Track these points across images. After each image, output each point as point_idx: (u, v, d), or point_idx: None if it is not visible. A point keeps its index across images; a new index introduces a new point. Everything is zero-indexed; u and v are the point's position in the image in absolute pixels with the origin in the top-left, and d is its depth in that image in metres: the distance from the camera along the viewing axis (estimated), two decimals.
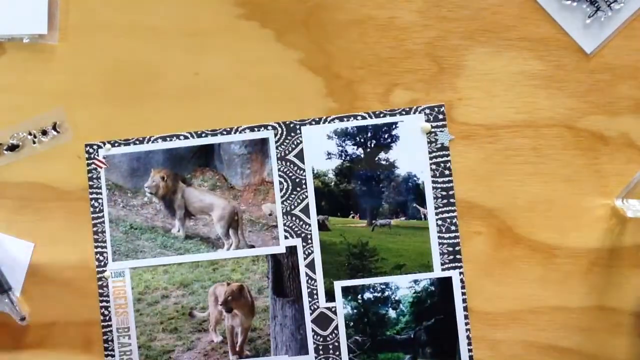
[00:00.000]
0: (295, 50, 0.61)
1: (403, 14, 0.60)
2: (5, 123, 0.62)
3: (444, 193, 0.60)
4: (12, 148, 0.62)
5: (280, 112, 0.61)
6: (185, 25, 0.61)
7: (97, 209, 0.62)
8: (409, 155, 0.60)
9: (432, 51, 0.60)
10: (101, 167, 0.61)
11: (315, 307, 0.60)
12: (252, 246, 0.61)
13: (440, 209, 0.60)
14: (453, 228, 0.60)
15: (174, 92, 0.62)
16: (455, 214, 0.60)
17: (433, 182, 0.60)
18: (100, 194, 0.62)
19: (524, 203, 0.59)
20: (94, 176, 0.62)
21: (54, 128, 0.62)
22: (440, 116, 0.60)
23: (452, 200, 0.60)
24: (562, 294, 0.59)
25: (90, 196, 0.62)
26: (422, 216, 0.60)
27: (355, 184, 0.61)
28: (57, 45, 0.62)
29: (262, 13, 0.61)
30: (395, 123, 0.60)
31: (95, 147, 0.62)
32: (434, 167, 0.60)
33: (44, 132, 0.62)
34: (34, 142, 0.62)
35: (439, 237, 0.60)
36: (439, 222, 0.60)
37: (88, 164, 0.62)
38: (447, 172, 0.60)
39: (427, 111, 0.60)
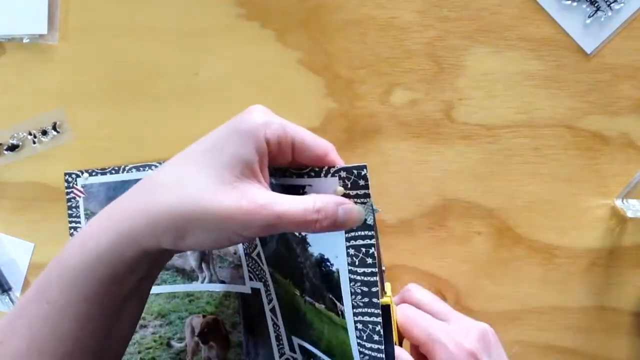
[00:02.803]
0: (295, 50, 0.61)
1: (403, 14, 0.60)
2: (5, 123, 0.62)
3: (365, 289, 0.42)
4: (12, 148, 0.62)
5: (280, 112, 0.60)
6: (185, 25, 0.61)
7: None
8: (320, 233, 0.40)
9: (432, 51, 0.60)
10: (79, 197, 0.61)
11: (282, 352, 0.58)
12: (223, 282, 0.60)
13: (360, 309, 0.43)
14: (376, 338, 0.42)
15: (174, 92, 0.61)
16: (379, 319, 0.42)
17: (350, 272, 0.42)
18: (79, 223, 0.61)
19: (524, 203, 0.59)
20: (73, 205, 0.61)
21: (54, 128, 0.62)
22: (362, 182, 0.40)
23: (374, 300, 0.42)
24: (562, 294, 0.59)
25: (70, 225, 0.61)
26: (339, 312, 0.45)
27: (284, 249, 0.50)
28: (57, 45, 0.62)
29: (262, 13, 0.61)
30: (303, 187, 0.43)
31: (74, 175, 0.61)
32: (352, 251, 0.42)
33: (44, 132, 0.62)
34: (34, 142, 0.62)
35: (359, 345, 0.44)
36: (359, 326, 0.43)
37: (67, 193, 0.61)
38: (369, 260, 0.41)
39: (343, 174, 0.40)
